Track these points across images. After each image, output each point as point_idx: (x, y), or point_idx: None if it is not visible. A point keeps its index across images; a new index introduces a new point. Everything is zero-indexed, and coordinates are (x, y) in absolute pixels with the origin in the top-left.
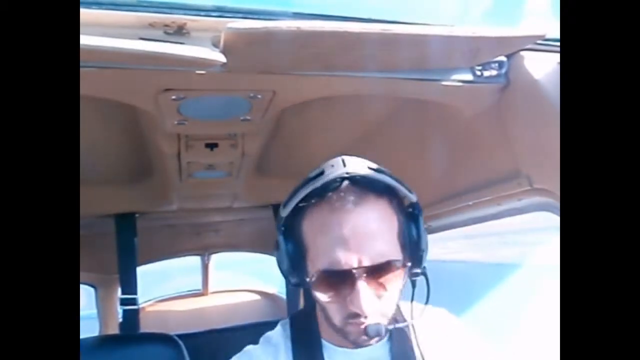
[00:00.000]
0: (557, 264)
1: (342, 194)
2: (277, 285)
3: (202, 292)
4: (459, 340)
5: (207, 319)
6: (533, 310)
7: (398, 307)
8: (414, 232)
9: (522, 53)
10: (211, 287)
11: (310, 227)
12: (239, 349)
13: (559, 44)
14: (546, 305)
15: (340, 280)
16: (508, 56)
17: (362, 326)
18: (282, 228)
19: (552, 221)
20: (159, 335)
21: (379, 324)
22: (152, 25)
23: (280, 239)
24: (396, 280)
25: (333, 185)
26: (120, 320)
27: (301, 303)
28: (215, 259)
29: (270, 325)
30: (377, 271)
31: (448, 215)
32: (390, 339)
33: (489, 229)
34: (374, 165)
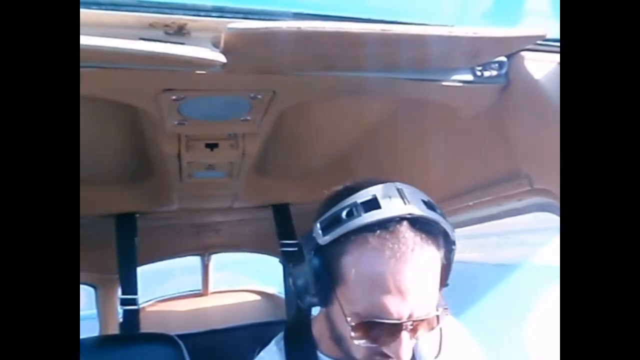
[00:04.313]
0: (557, 264)
1: (400, 237)
2: (277, 285)
3: (202, 292)
4: (457, 343)
5: (207, 319)
6: (533, 310)
7: None
8: (448, 270)
9: (522, 53)
10: (211, 287)
11: (355, 264)
12: (239, 349)
13: (559, 44)
14: (546, 305)
15: (383, 329)
16: (508, 56)
17: None
18: (312, 253)
19: (552, 222)
20: (159, 335)
21: None
22: (152, 26)
23: (309, 264)
24: (433, 328)
25: (390, 224)
26: (120, 320)
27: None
28: (215, 259)
29: (270, 325)
30: (422, 323)
31: (448, 215)
32: None
33: (489, 230)
34: (426, 198)
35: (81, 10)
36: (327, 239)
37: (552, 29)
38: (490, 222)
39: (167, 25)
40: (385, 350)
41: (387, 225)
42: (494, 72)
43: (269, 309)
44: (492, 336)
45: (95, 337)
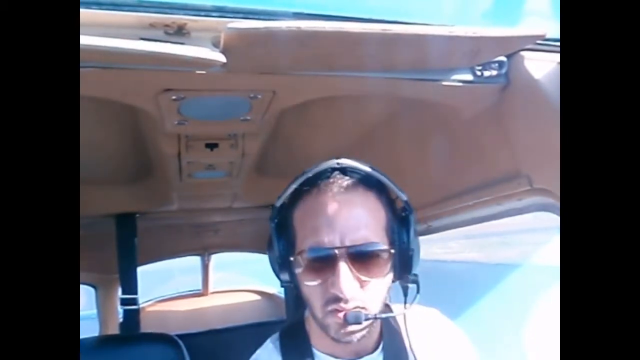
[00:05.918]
0: (557, 264)
1: (331, 181)
2: (277, 285)
3: (202, 292)
4: (454, 348)
5: (207, 319)
6: (533, 310)
7: (389, 309)
8: (403, 231)
9: (522, 53)
10: (211, 287)
11: (300, 212)
12: (238, 349)
13: (559, 44)
14: (546, 305)
15: (322, 262)
16: (508, 56)
17: (341, 314)
18: (275, 219)
19: (552, 221)
20: (159, 335)
21: (359, 311)
22: (152, 26)
23: (273, 228)
24: (380, 270)
25: (324, 175)
26: (121, 320)
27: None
28: (215, 259)
29: (270, 325)
30: (360, 256)
31: (448, 215)
32: (383, 349)
33: (489, 229)
34: (368, 165)
35: (81, 10)
36: (281, 200)
37: (552, 29)
38: (490, 222)
39: (167, 25)
40: (332, 289)
41: (322, 175)
42: (494, 72)
43: (269, 309)
44: (491, 336)
45: (95, 337)
